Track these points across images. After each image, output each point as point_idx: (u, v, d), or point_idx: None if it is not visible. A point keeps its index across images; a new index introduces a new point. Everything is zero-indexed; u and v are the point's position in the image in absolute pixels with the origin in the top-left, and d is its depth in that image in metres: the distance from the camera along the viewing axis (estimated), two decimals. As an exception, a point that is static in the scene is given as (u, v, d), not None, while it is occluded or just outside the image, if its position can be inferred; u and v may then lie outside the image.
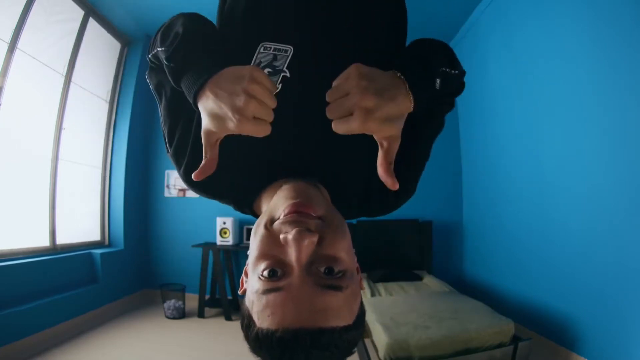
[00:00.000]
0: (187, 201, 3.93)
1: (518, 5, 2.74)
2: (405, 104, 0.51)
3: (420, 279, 3.17)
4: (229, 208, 3.25)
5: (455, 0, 3.17)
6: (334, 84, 0.51)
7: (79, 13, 3.20)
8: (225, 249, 3.55)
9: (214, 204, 3.52)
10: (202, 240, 3.80)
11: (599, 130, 2.02)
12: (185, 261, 3.82)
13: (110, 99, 3.71)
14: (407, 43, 0.68)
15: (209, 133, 0.53)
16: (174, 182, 3.96)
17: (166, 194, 3.97)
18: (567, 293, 2.26)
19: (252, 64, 0.64)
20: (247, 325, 0.51)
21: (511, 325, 1.96)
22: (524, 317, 2.66)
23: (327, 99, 0.51)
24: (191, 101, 0.54)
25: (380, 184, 0.56)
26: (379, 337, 1.90)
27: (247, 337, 0.51)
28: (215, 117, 0.51)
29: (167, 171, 3.98)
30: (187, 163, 0.65)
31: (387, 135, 0.51)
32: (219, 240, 3.47)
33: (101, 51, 3.56)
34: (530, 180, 2.67)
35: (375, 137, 0.52)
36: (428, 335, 1.84)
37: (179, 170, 0.67)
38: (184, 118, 0.65)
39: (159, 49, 0.61)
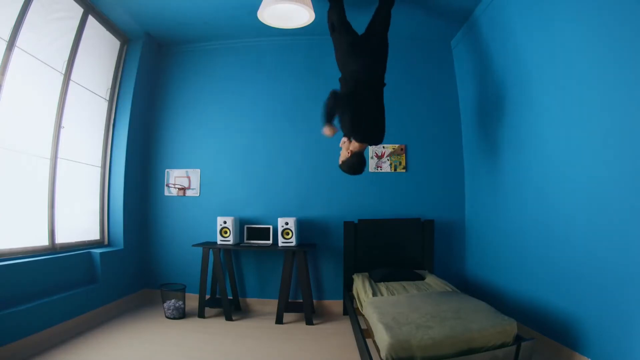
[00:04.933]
0: (187, 200, 3.92)
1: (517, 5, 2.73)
2: None
3: (422, 278, 3.16)
4: (230, 207, 3.32)
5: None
6: None
7: (78, 11, 3.18)
8: (225, 249, 3.53)
9: (214, 203, 3.52)
10: (203, 239, 3.78)
11: (602, 127, 2.00)
12: (185, 261, 3.81)
13: (109, 97, 3.69)
14: None
15: None
16: (173, 180, 3.94)
17: (166, 193, 3.95)
18: (571, 292, 2.24)
19: None
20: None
21: (514, 325, 1.95)
22: (527, 317, 2.64)
23: None
24: None
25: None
26: (381, 336, 1.89)
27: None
28: None
29: (167, 170, 3.97)
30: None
31: None
32: (219, 240, 3.46)
33: (100, 49, 3.54)
34: (533, 179, 2.65)
35: None
36: (430, 335, 1.83)
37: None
38: None
39: None
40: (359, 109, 2.53)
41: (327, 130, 2.71)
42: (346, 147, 2.65)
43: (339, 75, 4.19)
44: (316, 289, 3.71)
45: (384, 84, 2.73)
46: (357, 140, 2.60)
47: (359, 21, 2.90)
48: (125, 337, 2.83)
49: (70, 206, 3.20)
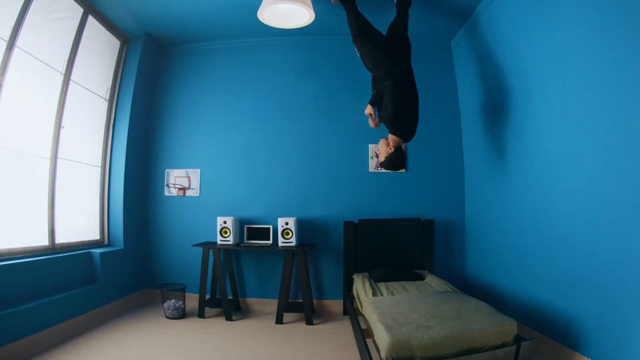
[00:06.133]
0: (187, 200, 3.91)
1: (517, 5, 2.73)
2: None
3: (422, 278, 3.16)
4: (230, 207, 3.32)
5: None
6: None
7: (78, 11, 3.18)
8: (225, 249, 3.53)
9: (214, 203, 3.52)
10: (203, 239, 3.78)
11: (602, 127, 2.00)
12: (185, 261, 3.81)
13: (109, 97, 3.69)
14: None
15: None
16: (173, 180, 3.94)
17: (166, 193, 3.95)
18: (571, 292, 2.24)
19: None
20: None
21: (514, 325, 1.95)
22: (527, 317, 2.64)
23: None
24: None
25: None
26: (381, 336, 1.89)
27: None
28: None
29: (167, 170, 3.97)
30: None
31: None
32: (219, 240, 3.46)
33: (100, 49, 3.54)
34: (533, 178, 2.65)
35: None
36: (430, 335, 1.83)
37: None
38: None
39: None
40: (403, 99, 2.61)
41: (371, 122, 2.78)
42: (386, 144, 2.73)
43: (339, 74, 4.14)
44: (316, 289, 3.71)
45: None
46: (392, 132, 2.66)
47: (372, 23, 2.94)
48: (125, 337, 2.83)
49: (70, 206, 3.20)
